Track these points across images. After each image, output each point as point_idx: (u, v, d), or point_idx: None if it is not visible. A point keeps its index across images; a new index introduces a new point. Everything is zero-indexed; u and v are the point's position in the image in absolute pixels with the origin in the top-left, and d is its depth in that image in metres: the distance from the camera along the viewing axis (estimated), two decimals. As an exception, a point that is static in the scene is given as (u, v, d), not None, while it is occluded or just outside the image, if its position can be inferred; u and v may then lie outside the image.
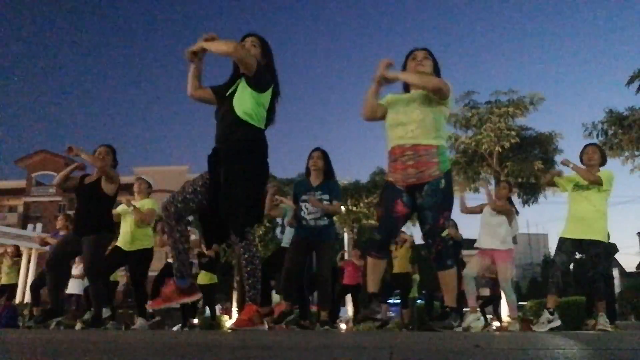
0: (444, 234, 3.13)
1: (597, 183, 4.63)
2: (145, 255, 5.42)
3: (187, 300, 3.09)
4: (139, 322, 5.48)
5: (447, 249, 3.17)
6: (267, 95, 3.10)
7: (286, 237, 5.62)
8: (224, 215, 2.95)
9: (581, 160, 4.84)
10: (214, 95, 3.19)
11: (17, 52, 67.76)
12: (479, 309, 6.54)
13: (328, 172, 4.92)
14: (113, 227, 4.94)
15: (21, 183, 40.02)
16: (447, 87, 3.13)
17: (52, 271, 4.82)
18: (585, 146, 4.98)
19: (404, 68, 3.36)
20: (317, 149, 4.99)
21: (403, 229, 6.01)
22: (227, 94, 3.12)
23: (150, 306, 3.59)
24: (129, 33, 73.84)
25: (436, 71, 3.36)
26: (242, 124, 3.00)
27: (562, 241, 4.77)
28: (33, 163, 39.36)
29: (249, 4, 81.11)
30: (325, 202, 4.74)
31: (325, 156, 4.92)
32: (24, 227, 34.52)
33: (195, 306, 8.93)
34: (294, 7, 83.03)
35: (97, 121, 75.41)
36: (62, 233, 7.12)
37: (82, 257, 5.10)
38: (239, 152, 2.96)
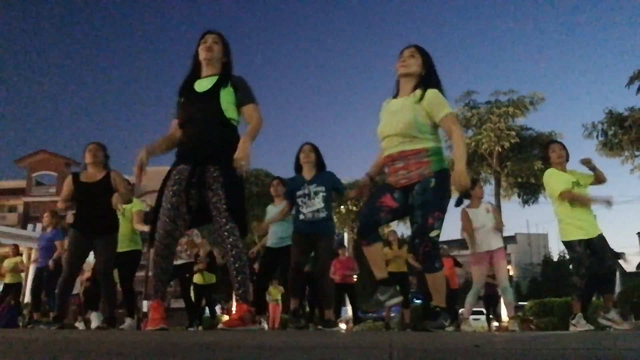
0: (433, 234, 3.01)
1: (604, 181, 4.78)
2: (137, 257, 5.60)
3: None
4: (128, 322, 5.51)
5: (435, 251, 3.06)
6: None
7: (273, 236, 5.47)
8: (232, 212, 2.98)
9: (549, 158, 4.88)
10: (182, 97, 3.23)
11: (17, 52, 67.74)
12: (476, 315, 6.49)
13: (320, 164, 4.89)
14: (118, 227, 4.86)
15: (21, 183, 40.05)
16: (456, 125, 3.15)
17: (71, 277, 4.60)
18: (553, 143, 5.06)
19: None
20: (307, 143, 4.96)
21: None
22: (202, 91, 3.14)
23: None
24: (129, 33, 73.85)
25: (428, 66, 3.29)
26: (230, 125, 3.13)
27: (578, 244, 4.64)
28: (33, 163, 39.35)
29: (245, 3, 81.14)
30: (321, 195, 4.71)
31: (316, 149, 4.91)
32: (24, 227, 34.50)
33: (200, 307, 8.92)
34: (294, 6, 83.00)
35: (97, 121, 75.41)
36: (49, 230, 7.51)
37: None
38: (228, 154, 2.96)
